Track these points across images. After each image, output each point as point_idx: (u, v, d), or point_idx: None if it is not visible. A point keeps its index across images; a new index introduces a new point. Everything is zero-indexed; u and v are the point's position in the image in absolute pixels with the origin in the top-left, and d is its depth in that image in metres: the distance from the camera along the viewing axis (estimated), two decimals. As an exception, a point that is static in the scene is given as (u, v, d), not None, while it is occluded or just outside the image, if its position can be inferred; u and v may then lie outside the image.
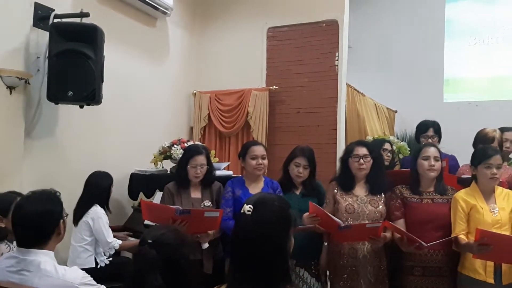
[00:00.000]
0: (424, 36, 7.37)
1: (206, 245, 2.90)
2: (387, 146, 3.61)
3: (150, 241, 1.59)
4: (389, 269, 2.82)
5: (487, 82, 7.13)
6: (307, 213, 2.69)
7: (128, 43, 4.39)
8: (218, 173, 3.67)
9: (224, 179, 3.24)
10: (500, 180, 2.79)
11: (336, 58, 4.82)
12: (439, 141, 3.75)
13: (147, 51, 4.68)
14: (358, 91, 5.56)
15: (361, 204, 2.81)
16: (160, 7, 4.56)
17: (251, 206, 1.48)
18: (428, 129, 3.69)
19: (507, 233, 2.52)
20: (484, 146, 3.01)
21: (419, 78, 7.29)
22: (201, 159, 3.02)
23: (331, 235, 2.82)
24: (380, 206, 2.81)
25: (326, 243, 2.93)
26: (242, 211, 1.49)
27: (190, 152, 3.08)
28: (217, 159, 4.35)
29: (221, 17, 5.33)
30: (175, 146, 3.97)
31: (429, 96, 7.18)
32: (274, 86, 4.98)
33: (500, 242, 2.32)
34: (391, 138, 5.08)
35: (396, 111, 7.17)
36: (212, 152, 4.28)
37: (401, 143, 5.06)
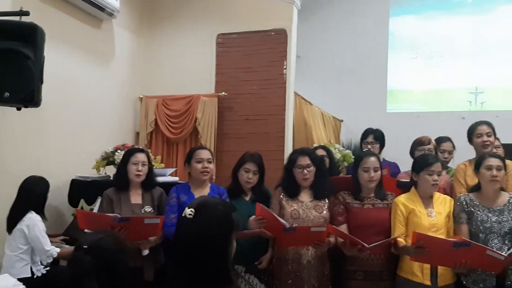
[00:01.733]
0: (369, 48, 7.65)
1: (146, 252, 2.83)
2: (320, 151, 3.70)
3: (86, 246, 1.53)
4: (333, 274, 2.86)
5: (427, 94, 7.48)
6: (253, 216, 2.68)
7: (71, 44, 4.23)
8: (163, 179, 3.61)
9: (169, 186, 3.17)
10: (438, 185, 2.92)
11: (284, 67, 4.89)
12: (381, 148, 3.87)
13: (91, 53, 4.53)
14: (305, 100, 5.65)
15: (306, 209, 2.85)
16: (106, 9, 4.43)
17: (193, 210, 1.46)
18: (368, 136, 3.81)
19: (443, 236, 2.62)
20: (425, 154, 3.15)
21: (364, 89, 7.54)
22: (142, 156, 2.99)
23: (277, 239, 2.83)
24: (324, 212, 2.86)
25: (270, 249, 2.94)
26: (183, 214, 1.47)
27: (130, 150, 3.07)
28: (163, 165, 4.27)
29: (170, 21, 5.27)
30: (119, 151, 3.85)
31: (374, 106, 7.43)
32: (223, 93, 4.96)
33: (435, 245, 2.41)
34: (337, 146, 5.20)
35: (342, 120, 7.36)
36: (158, 157, 4.20)
37: (346, 151, 5.19)
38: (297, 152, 2.99)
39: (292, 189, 2.91)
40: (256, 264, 2.93)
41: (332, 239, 2.73)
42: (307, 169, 2.86)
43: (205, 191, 3.01)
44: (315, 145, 5.10)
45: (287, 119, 4.86)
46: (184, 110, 4.95)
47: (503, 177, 2.65)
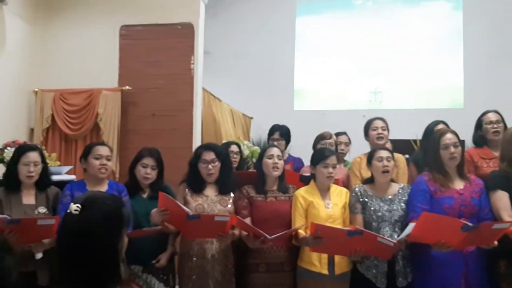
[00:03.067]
0: (277, 46, 7.84)
1: (39, 255, 2.62)
2: (233, 148, 3.72)
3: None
4: (236, 267, 2.87)
5: (333, 92, 7.82)
6: (155, 209, 2.61)
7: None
8: (59, 177, 3.37)
9: (65, 184, 2.96)
10: (336, 178, 3.05)
11: (192, 62, 4.82)
12: (287, 144, 3.97)
13: (-23, 41, 4.13)
14: (214, 96, 5.63)
15: (210, 204, 2.84)
16: (-6, -7, 4.06)
17: (79, 205, 1.39)
18: (275, 132, 3.90)
19: (339, 226, 2.73)
20: (322, 147, 3.28)
21: (272, 87, 7.71)
22: (34, 155, 2.75)
23: (181, 231, 2.78)
24: (229, 205, 2.86)
25: (170, 246, 2.88)
26: (68, 210, 1.40)
27: (21, 149, 2.80)
28: (58, 163, 3.99)
29: (69, 11, 4.96)
30: (9, 148, 3.54)
31: (282, 104, 7.62)
32: (127, 87, 4.77)
33: (331, 234, 2.50)
34: (245, 142, 5.26)
35: (252, 118, 7.45)
36: (53, 155, 3.93)
37: (255, 147, 5.26)
38: (202, 147, 2.97)
39: (196, 184, 2.88)
40: (154, 263, 2.84)
41: (236, 232, 2.73)
42: (212, 164, 2.84)
43: (103, 188, 2.84)
44: (224, 141, 5.11)
45: (195, 115, 4.80)
46: (84, 104, 4.69)
47: (393, 167, 2.82)
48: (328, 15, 7.87)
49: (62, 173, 3.54)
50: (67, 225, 1.40)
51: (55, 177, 3.16)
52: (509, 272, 2.58)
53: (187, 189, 2.88)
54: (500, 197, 2.60)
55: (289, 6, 7.91)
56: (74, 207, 1.39)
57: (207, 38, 5.14)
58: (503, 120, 3.26)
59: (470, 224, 2.32)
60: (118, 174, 4.55)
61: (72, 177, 3.60)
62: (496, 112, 3.30)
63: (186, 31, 4.84)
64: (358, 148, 3.91)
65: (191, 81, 4.81)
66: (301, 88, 7.90)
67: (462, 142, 3.30)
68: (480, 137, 3.30)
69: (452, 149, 2.65)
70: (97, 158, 2.83)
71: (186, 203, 2.82)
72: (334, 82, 7.81)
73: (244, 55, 7.84)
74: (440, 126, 3.22)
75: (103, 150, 2.87)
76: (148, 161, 2.90)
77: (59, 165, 3.87)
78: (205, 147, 2.96)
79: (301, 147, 4.22)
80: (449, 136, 2.70)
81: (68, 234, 1.39)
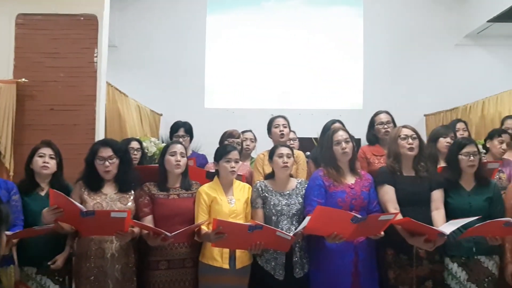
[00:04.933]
0: (187, 43, 7.76)
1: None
2: (133, 144, 3.64)
3: None
4: (137, 266, 2.82)
5: (243, 91, 7.92)
6: (47, 208, 2.48)
7: None
8: None
9: None
10: (241, 174, 3.11)
11: (95, 55, 4.62)
12: (190, 140, 3.97)
13: None
14: (120, 91, 5.45)
15: (110, 202, 2.76)
16: None
17: None
18: (179, 129, 3.88)
19: (242, 221, 2.80)
20: (225, 144, 3.34)
21: (183, 84, 7.62)
22: None
23: (77, 229, 2.67)
24: (130, 203, 2.80)
25: (67, 247, 2.76)
26: None
27: None
28: None
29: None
30: None
31: (192, 101, 7.56)
32: (23, 79, 4.44)
33: (233, 230, 2.56)
34: (152, 139, 5.16)
35: (161, 115, 7.33)
36: None
37: (162, 144, 5.17)
38: (99, 143, 2.87)
39: (94, 182, 2.79)
40: (49, 264, 2.70)
41: (136, 230, 2.68)
42: (109, 161, 2.76)
43: (-11, 186, 2.65)
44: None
45: (98, 110, 4.59)
46: (-28, 96, 4.29)
47: (292, 163, 2.96)
48: (238, 14, 7.94)
49: None
50: None
51: None
52: (395, 260, 2.82)
53: (83, 188, 2.77)
54: (386, 190, 2.83)
55: (199, 3, 7.86)
56: None
57: (114, 31, 4.97)
58: (393, 121, 3.55)
59: (359, 216, 2.50)
60: (12, 172, 4.23)
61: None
62: (387, 113, 3.58)
63: (89, 23, 4.62)
64: (268, 146, 4.01)
65: (94, 75, 4.59)
66: (212, 86, 7.91)
67: (359, 141, 3.56)
68: (373, 136, 3.58)
69: (344, 145, 2.84)
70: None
71: (83, 202, 2.71)
72: (244, 81, 7.92)
73: (154, 51, 7.66)
74: (336, 125, 3.42)
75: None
76: (45, 150, 2.80)
77: None
78: (102, 143, 2.87)
79: (211, 145, 4.23)
80: (341, 133, 2.89)
81: None
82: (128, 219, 2.52)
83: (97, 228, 2.54)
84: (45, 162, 2.77)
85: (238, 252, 2.78)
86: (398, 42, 7.70)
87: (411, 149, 2.88)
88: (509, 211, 2.88)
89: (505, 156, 3.63)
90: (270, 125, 3.62)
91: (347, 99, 7.78)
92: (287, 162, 2.89)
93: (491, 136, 3.66)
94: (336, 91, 7.84)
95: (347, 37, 7.91)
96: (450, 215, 2.77)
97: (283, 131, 3.54)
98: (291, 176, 2.99)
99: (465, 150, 2.88)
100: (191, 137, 3.94)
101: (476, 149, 2.90)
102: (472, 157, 2.86)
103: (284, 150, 2.92)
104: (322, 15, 7.93)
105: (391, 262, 2.83)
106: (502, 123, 4.03)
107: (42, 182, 2.83)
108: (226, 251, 2.76)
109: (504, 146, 3.57)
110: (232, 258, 2.77)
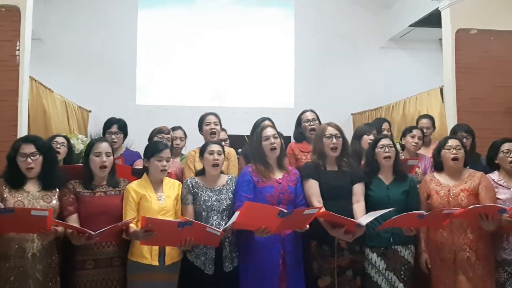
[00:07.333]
0: (118, 39, 7.56)
1: None
2: (58, 139, 3.53)
3: None
4: (62, 266, 2.74)
5: (176, 88, 7.84)
6: None
7: None
8: None
9: None
10: (169, 171, 3.11)
11: (18, 48, 4.39)
12: (124, 137, 3.89)
13: None
14: (44, 86, 5.21)
15: (32, 200, 2.65)
16: None
17: None
18: (112, 126, 3.79)
19: (172, 218, 2.80)
20: (156, 141, 3.33)
21: (113, 80, 7.41)
22: None
23: None
24: (54, 202, 2.71)
25: None
26: None
27: None
28: None
29: None
30: None
31: (124, 98, 7.39)
32: None
33: (162, 227, 2.56)
34: (80, 136, 4.99)
35: (90, 111, 7.09)
36: None
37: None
38: (21, 140, 2.75)
39: (15, 180, 2.67)
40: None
41: (59, 229, 2.59)
42: (32, 157, 2.66)
43: None
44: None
45: (21, 106, 4.37)
46: None
47: (222, 160, 3.01)
48: (171, 10, 7.85)
49: None
50: None
51: None
52: (318, 251, 2.95)
53: (4, 185, 2.64)
54: (311, 184, 2.96)
55: (130, -2, 7.70)
56: None
57: (40, 24, 4.73)
58: (318, 119, 3.70)
59: (285, 210, 2.59)
60: None
61: None
62: (312, 111, 3.73)
63: (11, 14, 4.38)
64: (200, 143, 4.03)
65: (16, 69, 4.36)
66: (145, 83, 7.77)
67: (289, 138, 3.67)
68: (300, 133, 3.72)
69: (272, 140, 2.95)
70: None
71: (3, 200, 2.59)
72: (178, 78, 7.85)
73: (83, 46, 7.36)
74: (265, 122, 3.51)
75: None
76: None
77: None
78: (23, 139, 2.76)
79: (143, 142, 4.18)
80: (269, 129, 3.01)
81: None
82: (50, 217, 2.44)
83: (17, 226, 2.45)
84: None
85: (168, 249, 2.77)
86: (327, 44, 7.99)
87: (334, 149, 3.03)
88: (423, 202, 3.12)
89: (421, 152, 3.91)
90: (201, 122, 3.64)
91: (280, 98, 7.95)
92: (217, 159, 2.94)
93: (404, 134, 3.92)
94: (270, 90, 7.99)
95: (279, 37, 8.08)
96: (370, 207, 2.94)
97: (214, 128, 3.57)
98: (221, 172, 3.04)
99: (380, 143, 3.09)
100: (125, 134, 3.85)
101: (391, 143, 3.11)
102: (387, 149, 3.07)
103: (215, 147, 2.96)
104: (255, 15, 8.04)
105: (315, 253, 2.95)
106: (417, 122, 4.31)
107: None
108: (156, 248, 2.75)
109: (416, 140, 3.78)
110: (162, 254, 2.76)
